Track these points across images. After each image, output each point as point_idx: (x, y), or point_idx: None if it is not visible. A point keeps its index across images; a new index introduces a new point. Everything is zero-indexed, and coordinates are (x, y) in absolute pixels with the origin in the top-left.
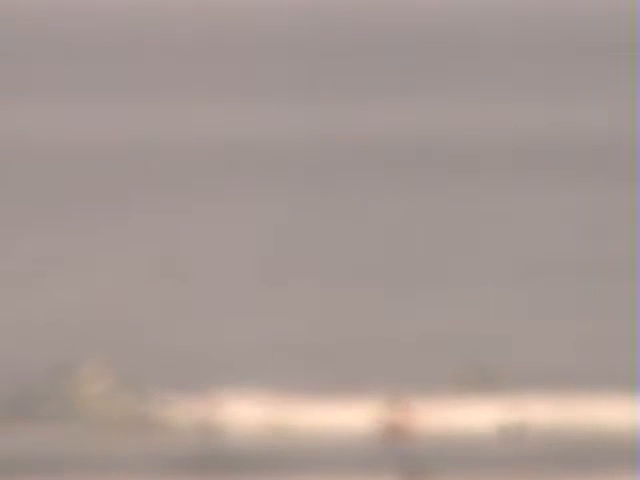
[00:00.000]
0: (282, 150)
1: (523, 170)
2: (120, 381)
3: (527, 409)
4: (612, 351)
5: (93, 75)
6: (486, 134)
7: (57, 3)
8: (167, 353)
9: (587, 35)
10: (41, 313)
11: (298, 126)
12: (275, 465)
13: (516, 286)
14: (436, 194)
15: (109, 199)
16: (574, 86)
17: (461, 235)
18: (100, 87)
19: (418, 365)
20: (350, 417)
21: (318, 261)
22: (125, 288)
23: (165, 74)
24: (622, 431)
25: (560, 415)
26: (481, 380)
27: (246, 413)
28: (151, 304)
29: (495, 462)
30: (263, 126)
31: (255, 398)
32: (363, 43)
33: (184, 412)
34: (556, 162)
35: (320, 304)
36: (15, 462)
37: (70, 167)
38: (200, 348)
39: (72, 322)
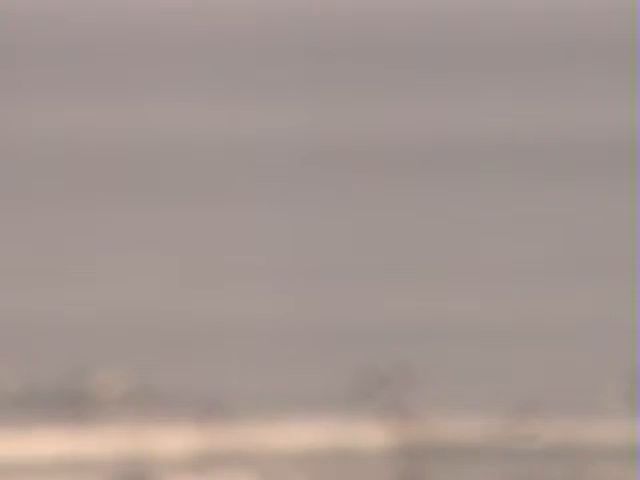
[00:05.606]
0: (282, 150)
1: (521, 171)
2: (133, 388)
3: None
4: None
5: (93, 75)
6: (485, 135)
7: (57, 3)
8: (175, 359)
9: (586, 35)
10: (51, 316)
11: (298, 126)
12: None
13: (509, 287)
14: (435, 194)
15: (111, 200)
16: (573, 86)
17: (460, 235)
18: (100, 87)
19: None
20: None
21: (318, 262)
22: (138, 293)
23: (165, 74)
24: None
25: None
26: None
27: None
28: (163, 310)
29: None
30: (263, 126)
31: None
32: (363, 44)
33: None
34: (555, 162)
35: (323, 304)
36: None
37: (70, 167)
38: (205, 354)
39: (87, 326)
